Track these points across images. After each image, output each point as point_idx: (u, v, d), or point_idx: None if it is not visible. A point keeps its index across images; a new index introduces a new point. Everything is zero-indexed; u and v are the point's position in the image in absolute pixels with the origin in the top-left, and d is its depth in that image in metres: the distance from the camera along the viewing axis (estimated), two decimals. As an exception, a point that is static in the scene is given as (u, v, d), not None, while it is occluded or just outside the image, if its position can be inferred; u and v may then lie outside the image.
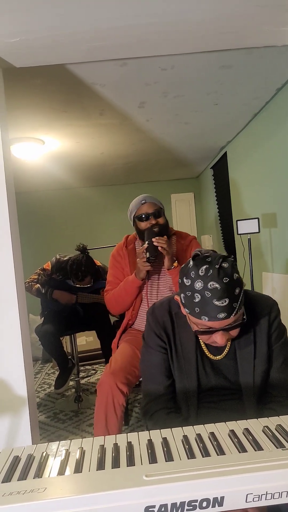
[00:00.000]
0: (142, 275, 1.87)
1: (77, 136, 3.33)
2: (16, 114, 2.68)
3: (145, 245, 1.85)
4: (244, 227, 2.89)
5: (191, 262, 1.04)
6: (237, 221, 2.93)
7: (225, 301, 0.98)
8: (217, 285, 0.98)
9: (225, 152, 4.17)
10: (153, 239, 1.83)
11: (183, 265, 1.09)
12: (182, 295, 1.06)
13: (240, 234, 2.92)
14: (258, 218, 2.84)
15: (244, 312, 1.06)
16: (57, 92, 2.42)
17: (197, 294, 1.00)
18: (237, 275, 1.02)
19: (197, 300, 1.00)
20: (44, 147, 3.47)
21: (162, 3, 1.53)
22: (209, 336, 1.07)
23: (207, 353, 1.19)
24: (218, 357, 1.19)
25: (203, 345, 1.19)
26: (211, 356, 1.19)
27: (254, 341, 1.17)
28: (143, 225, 1.94)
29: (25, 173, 4.31)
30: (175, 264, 1.87)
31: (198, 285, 1.00)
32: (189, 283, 1.02)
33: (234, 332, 1.07)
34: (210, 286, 0.98)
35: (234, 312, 1.00)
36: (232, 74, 2.38)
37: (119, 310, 2.06)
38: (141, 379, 1.88)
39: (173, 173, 5.34)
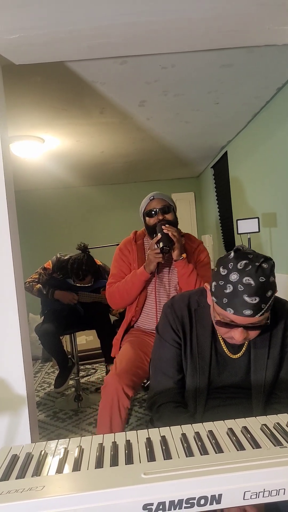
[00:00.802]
0: (152, 268, 1.83)
1: (77, 135, 3.33)
2: (15, 112, 2.68)
3: (158, 236, 1.83)
4: (244, 226, 2.89)
5: (232, 254, 1.05)
6: (237, 220, 2.93)
7: (255, 299, 0.98)
8: (251, 282, 0.98)
9: (226, 152, 4.16)
10: (163, 227, 1.83)
11: (222, 256, 1.09)
12: (213, 283, 1.07)
13: (240, 233, 2.92)
14: (258, 218, 2.84)
15: (269, 317, 1.06)
16: (57, 89, 2.41)
17: (230, 285, 1.00)
18: (273, 278, 1.02)
19: (228, 291, 1.01)
20: (44, 145, 3.47)
21: (162, 1, 1.53)
22: (227, 330, 1.07)
23: (225, 351, 1.19)
24: (236, 356, 1.19)
25: (222, 343, 1.20)
26: (229, 354, 1.19)
27: (269, 342, 1.18)
28: (152, 221, 1.94)
29: (24, 171, 4.30)
30: (184, 255, 1.87)
31: (234, 277, 1.00)
32: (225, 273, 1.02)
33: (253, 334, 1.07)
34: (245, 281, 0.99)
35: (261, 313, 1.00)
36: (232, 73, 2.38)
37: (121, 304, 2.01)
38: (145, 380, 1.89)
39: (173, 173, 5.34)
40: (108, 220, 5.61)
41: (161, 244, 1.80)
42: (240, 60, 2.22)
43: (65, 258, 2.96)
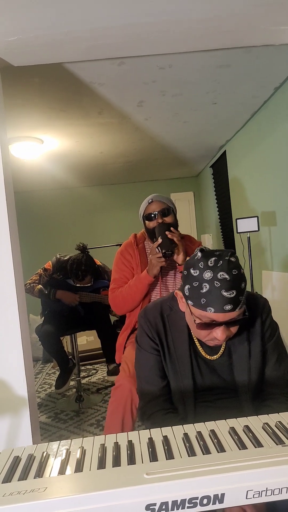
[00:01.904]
0: (155, 272, 1.80)
1: (76, 135, 3.33)
2: (14, 113, 2.68)
3: (159, 241, 1.81)
4: (244, 225, 2.89)
5: (199, 254, 1.04)
6: (236, 219, 2.93)
7: (233, 292, 0.98)
8: (226, 276, 0.98)
9: (224, 151, 4.17)
10: (167, 232, 1.82)
11: (188, 258, 1.08)
12: (187, 286, 1.05)
13: (239, 232, 2.92)
14: (257, 217, 2.84)
15: (246, 309, 1.06)
16: (55, 91, 2.41)
17: (206, 284, 0.99)
18: (242, 270, 1.04)
19: (204, 290, 0.99)
20: (43, 146, 3.47)
21: (160, 2, 1.53)
22: (208, 332, 1.06)
23: (202, 353, 1.19)
24: (214, 357, 1.19)
25: (198, 345, 1.19)
26: (207, 356, 1.19)
27: (248, 340, 1.18)
28: (151, 224, 1.91)
29: (24, 172, 4.30)
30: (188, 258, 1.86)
31: (208, 275, 0.99)
32: (197, 273, 1.01)
33: (234, 329, 1.07)
34: (220, 276, 0.98)
35: (240, 305, 1.00)
36: (230, 73, 2.38)
37: (125, 309, 1.97)
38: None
39: (172, 172, 5.34)
40: (108, 220, 5.61)
41: (162, 250, 1.78)
42: (238, 60, 2.22)
43: (65, 258, 2.96)
